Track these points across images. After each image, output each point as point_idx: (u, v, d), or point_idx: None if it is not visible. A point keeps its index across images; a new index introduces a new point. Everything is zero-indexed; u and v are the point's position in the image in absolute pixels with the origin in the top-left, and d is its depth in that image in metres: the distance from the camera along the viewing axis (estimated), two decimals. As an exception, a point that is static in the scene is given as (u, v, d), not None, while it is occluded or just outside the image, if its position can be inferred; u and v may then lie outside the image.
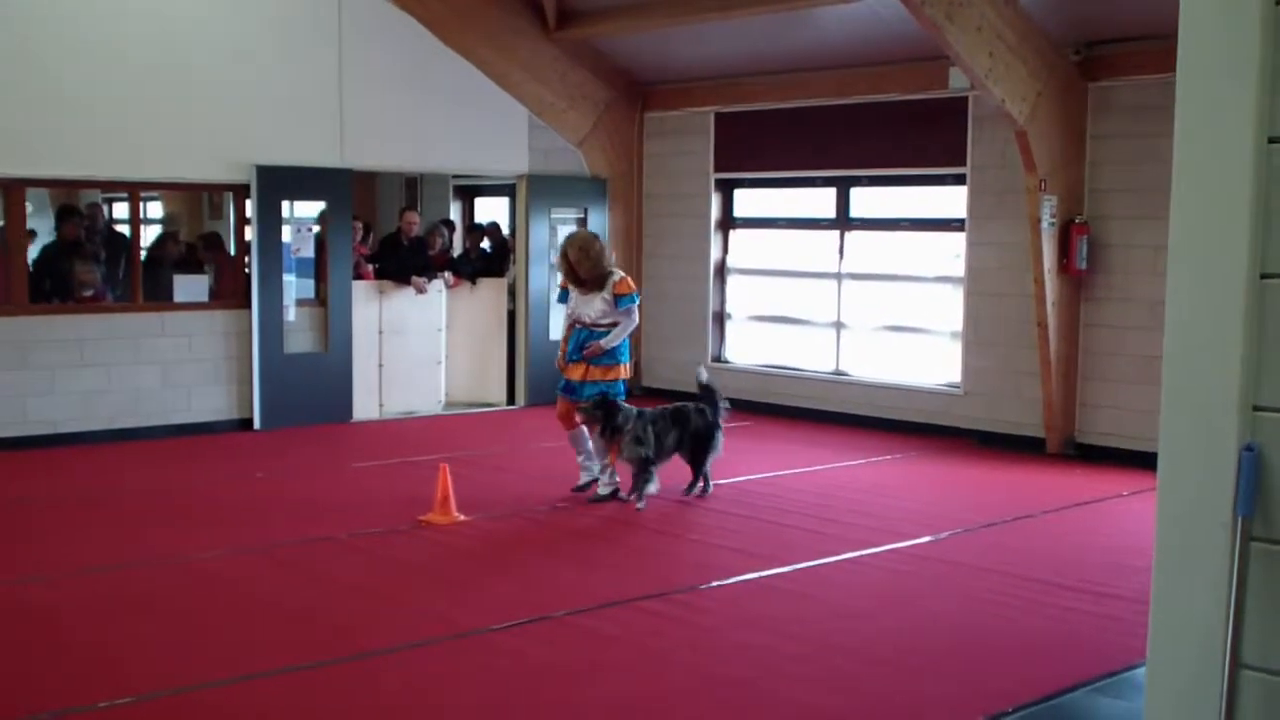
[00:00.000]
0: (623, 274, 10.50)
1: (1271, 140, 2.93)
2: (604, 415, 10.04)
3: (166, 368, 13.03)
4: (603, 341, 10.21)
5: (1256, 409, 2.98)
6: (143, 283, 13.02)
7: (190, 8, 13.05)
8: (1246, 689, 3.01)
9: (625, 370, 10.41)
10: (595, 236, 10.65)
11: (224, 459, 12.07)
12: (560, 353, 10.55)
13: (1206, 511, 3.02)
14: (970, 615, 7.58)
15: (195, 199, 16.47)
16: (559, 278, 11.03)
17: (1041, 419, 12.68)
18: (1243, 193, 2.93)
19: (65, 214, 13.62)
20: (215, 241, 14.18)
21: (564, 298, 10.60)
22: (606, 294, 10.26)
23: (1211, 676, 3.01)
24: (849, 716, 5.97)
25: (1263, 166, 2.93)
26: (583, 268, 10.22)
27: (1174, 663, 3.10)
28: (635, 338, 16.39)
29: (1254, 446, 2.98)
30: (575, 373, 10.32)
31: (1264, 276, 2.96)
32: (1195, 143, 3.03)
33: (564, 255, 10.39)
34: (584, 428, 10.43)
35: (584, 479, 10.60)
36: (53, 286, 12.64)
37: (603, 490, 10.39)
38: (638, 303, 10.47)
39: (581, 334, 10.33)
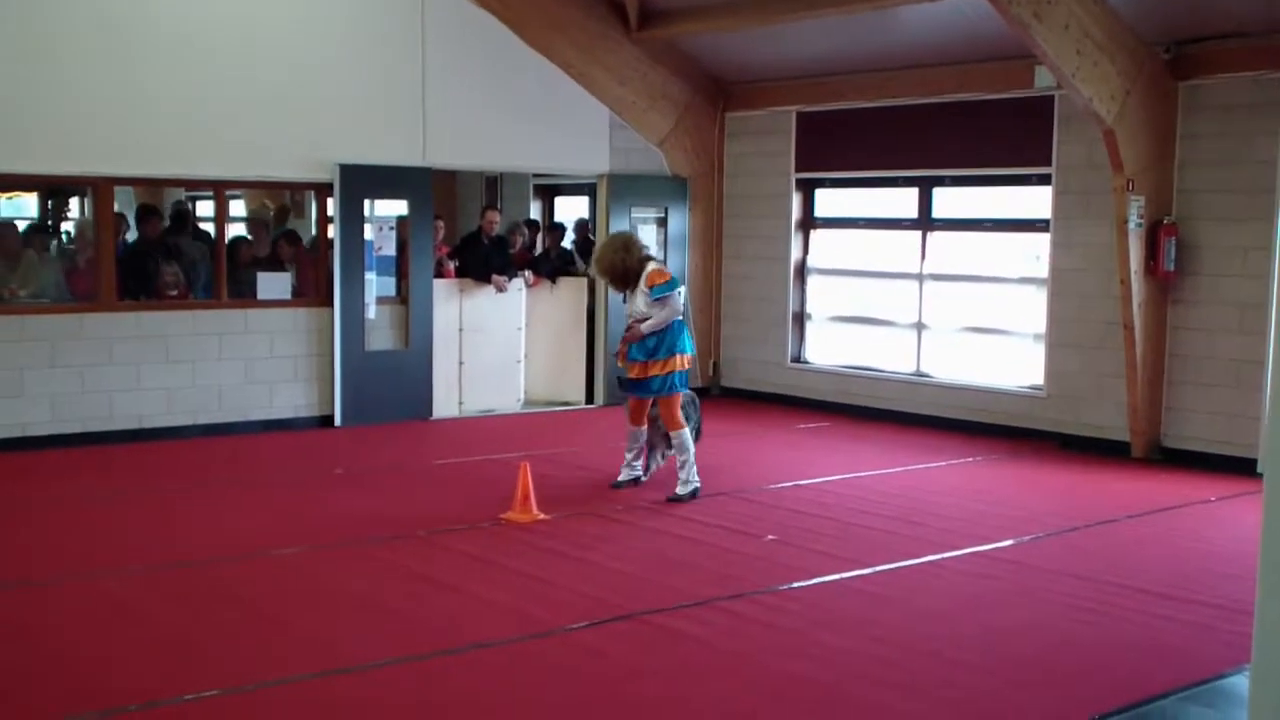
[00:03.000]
0: (657, 265, 10.58)
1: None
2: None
3: (249, 364, 13.16)
4: (643, 326, 10.28)
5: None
6: (227, 280, 13.13)
7: (275, 9, 13.17)
8: (1353, 700, 2.93)
9: (684, 361, 10.40)
10: (628, 236, 10.87)
11: (305, 455, 12.17)
12: (620, 353, 10.61)
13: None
14: (1053, 620, 7.48)
15: (277, 198, 16.58)
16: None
17: (1126, 422, 12.50)
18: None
19: (146, 213, 13.77)
20: (295, 239, 14.29)
21: (624, 298, 10.78)
22: (644, 287, 10.33)
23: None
24: (932, 721, 5.91)
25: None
26: (602, 264, 10.51)
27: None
28: (711, 335, 16.41)
29: (1362, 451, 2.89)
30: (635, 370, 10.43)
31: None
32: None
33: (595, 254, 10.76)
34: (645, 428, 10.67)
35: (625, 476, 10.83)
36: (136, 284, 12.77)
37: (625, 476, 10.81)
38: (677, 289, 10.42)
39: None
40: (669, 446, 10.73)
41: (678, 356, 10.34)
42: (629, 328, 10.43)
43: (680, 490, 10.34)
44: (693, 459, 10.41)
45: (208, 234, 14.12)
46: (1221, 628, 7.20)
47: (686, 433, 10.42)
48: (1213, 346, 11.98)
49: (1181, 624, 7.38)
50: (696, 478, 10.42)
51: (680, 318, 10.47)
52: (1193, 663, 6.69)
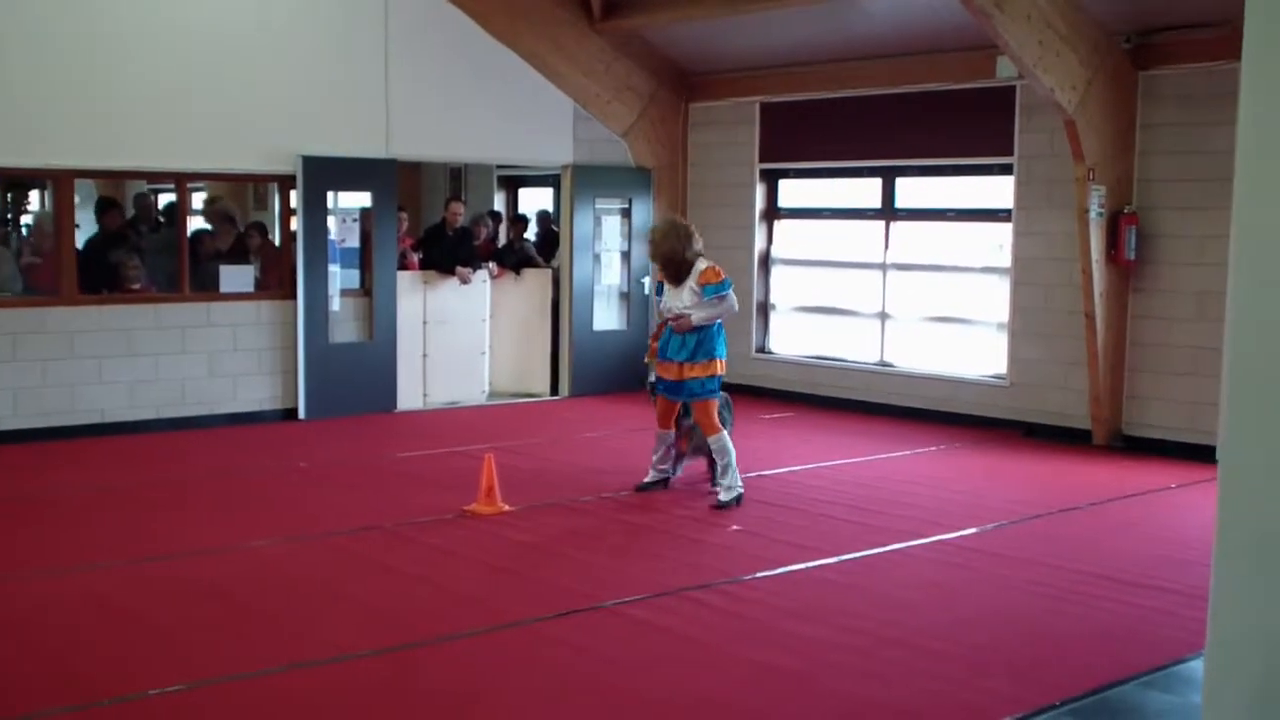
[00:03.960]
0: (710, 262, 10.02)
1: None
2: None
3: (213, 358, 13.10)
4: (693, 317, 9.79)
5: (1320, 400, 2.94)
6: (189, 273, 13.06)
7: (238, 0, 13.13)
8: (1309, 684, 2.97)
9: (722, 365, 9.99)
10: (682, 224, 10.21)
11: (269, 449, 12.13)
12: (650, 348, 10.26)
13: (1270, 503, 2.98)
14: (1017, 607, 7.53)
15: (241, 190, 16.52)
16: (655, 270, 10.59)
17: (1088, 411, 12.59)
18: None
19: (105, 206, 13.68)
20: (261, 231, 14.23)
21: (659, 291, 10.29)
22: (693, 283, 9.86)
23: (1274, 671, 2.97)
24: (897, 708, 5.94)
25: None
26: (661, 249, 9.95)
27: (1235, 657, 3.06)
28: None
29: (1317, 438, 2.93)
30: (670, 372, 9.97)
31: (1329, 266, 2.91)
32: (1259, 131, 2.98)
33: (649, 240, 10.20)
34: (673, 430, 10.27)
35: (653, 477, 10.41)
36: (97, 277, 12.70)
37: (652, 477, 10.40)
38: (730, 290, 9.93)
39: (672, 329, 9.99)
40: (697, 453, 10.46)
41: (717, 360, 9.93)
42: (664, 321, 10.02)
43: (724, 497, 9.86)
44: (734, 463, 9.93)
45: (170, 226, 14.05)
46: (1181, 613, 7.26)
47: (726, 436, 9.98)
48: (1173, 334, 12.09)
49: (1143, 610, 7.45)
50: (740, 482, 9.96)
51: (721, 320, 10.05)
52: (1153, 648, 6.75)
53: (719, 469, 9.99)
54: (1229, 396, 3.07)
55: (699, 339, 9.85)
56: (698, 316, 9.79)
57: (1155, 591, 7.77)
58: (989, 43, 12.02)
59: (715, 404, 9.97)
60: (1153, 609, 7.45)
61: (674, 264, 9.93)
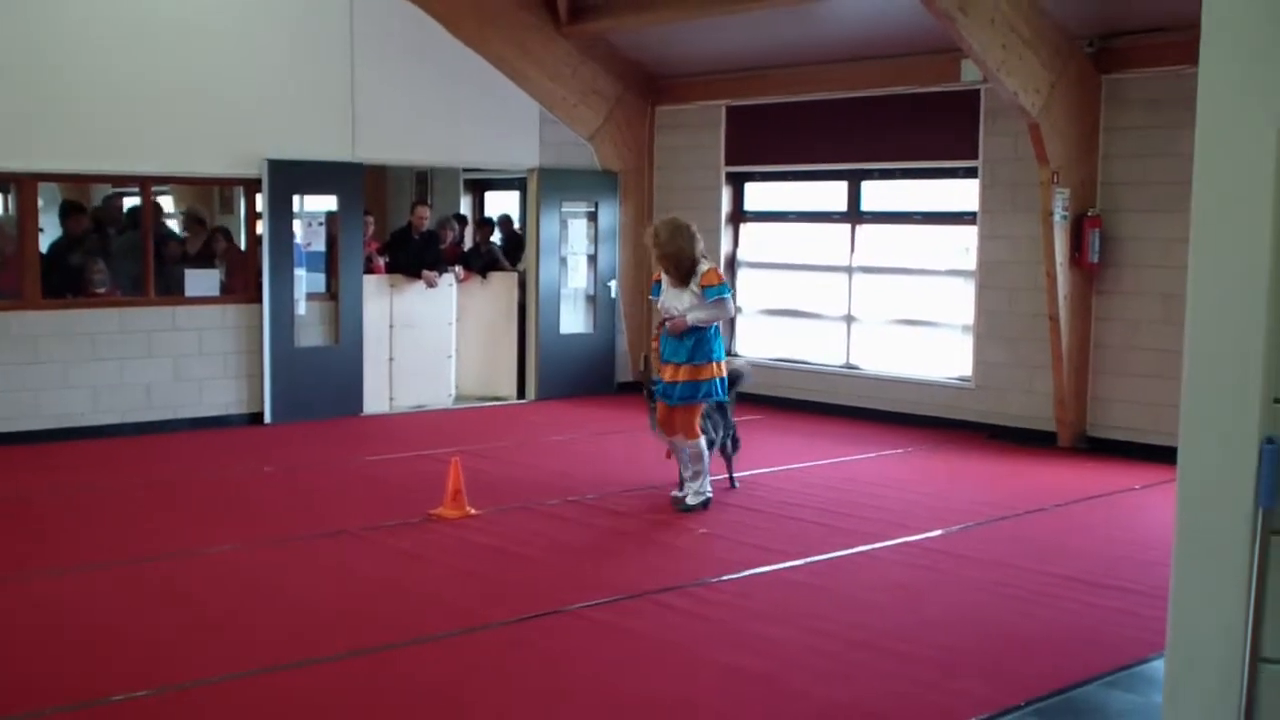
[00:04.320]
0: (712, 264, 9.86)
1: (1293, 132, 2.92)
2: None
3: (178, 362, 13.04)
4: (689, 317, 9.58)
5: (1278, 401, 2.97)
6: (154, 277, 12.99)
7: (202, 2, 13.04)
8: (1267, 683, 3.00)
9: (719, 368, 9.77)
10: (686, 223, 9.88)
11: (235, 453, 12.08)
12: (653, 349, 10.06)
13: (1227, 504, 3.01)
14: (983, 609, 7.57)
15: (207, 193, 16.46)
16: (653, 271, 10.25)
17: (1053, 413, 12.66)
18: (1265, 184, 2.92)
19: (69, 210, 13.60)
20: (226, 235, 14.18)
21: (655, 292, 10.04)
22: (695, 285, 9.63)
23: (1232, 671, 3.00)
24: (864, 710, 5.96)
25: (1285, 158, 2.92)
26: (667, 249, 9.66)
27: (1194, 656, 3.09)
28: (642, 331, 16.44)
29: (1275, 439, 2.96)
30: (664, 373, 9.80)
31: (1286, 269, 2.94)
32: (1218, 134, 3.02)
33: (653, 239, 9.77)
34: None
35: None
36: (61, 282, 12.63)
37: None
38: (729, 295, 9.80)
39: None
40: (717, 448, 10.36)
41: (714, 363, 9.74)
42: (662, 323, 9.80)
43: (691, 500, 9.81)
44: (707, 469, 9.86)
45: (135, 229, 13.98)
46: (1144, 613, 7.31)
47: (702, 442, 9.83)
48: (1137, 337, 12.17)
49: (1107, 610, 7.49)
50: (709, 488, 9.90)
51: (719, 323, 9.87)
52: (1117, 648, 6.79)
53: (689, 473, 9.89)
54: (1187, 399, 3.10)
55: (696, 341, 9.66)
56: (693, 318, 9.61)
57: (1119, 592, 7.82)
58: (953, 46, 12.08)
59: (700, 409, 9.82)
60: (1116, 609, 7.50)
61: (680, 263, 9.69)
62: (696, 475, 9.85)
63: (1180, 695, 3.13)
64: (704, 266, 9.72)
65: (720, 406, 10.22)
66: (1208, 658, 3.06)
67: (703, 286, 9.62)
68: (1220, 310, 3.01)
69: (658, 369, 9.94)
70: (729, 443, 10.48)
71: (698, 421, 9.84)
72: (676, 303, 9.70)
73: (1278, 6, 2.88)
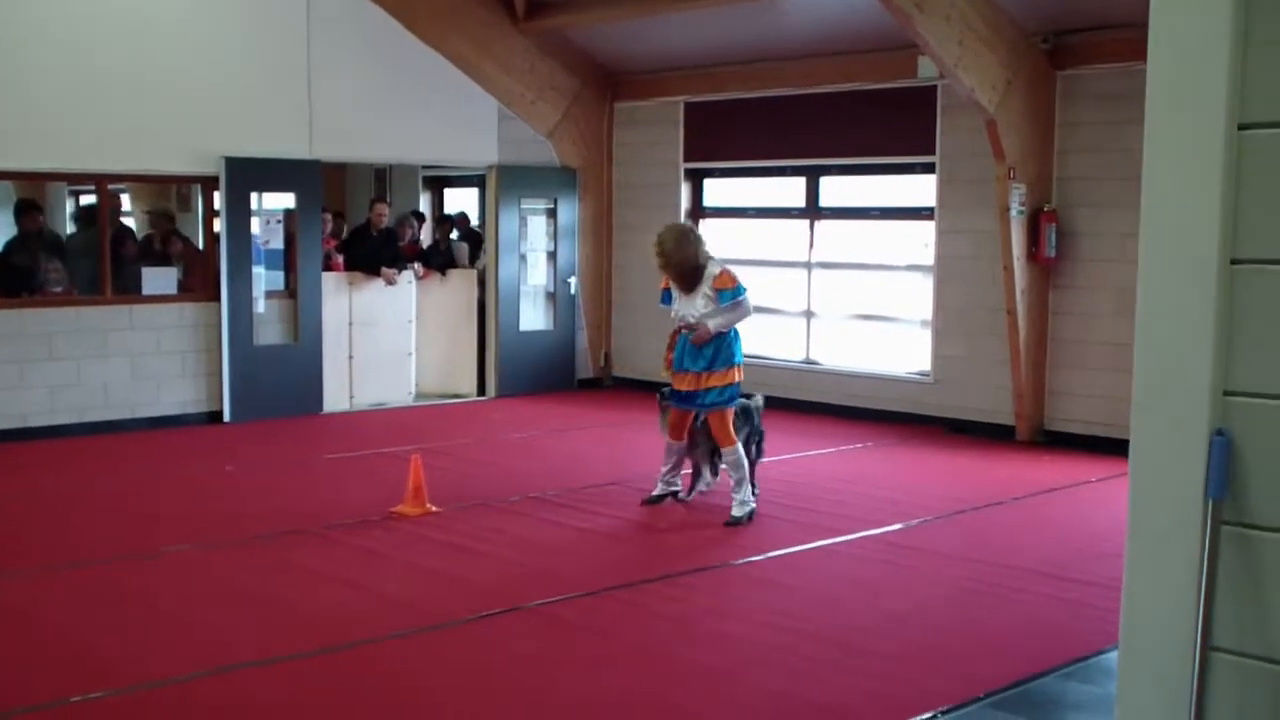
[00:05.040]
0: (724, 267, 9.55)
1: (1242, 127, 2.95)
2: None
3: (135, 361, 12.97)
4: (710, 325, 9.30)
5: (1227, 394, 3.01)
6: (111, 275, 12.92)
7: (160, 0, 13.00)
8: (1218, 672, 3.03)
9: (740, 372, 9.56)
10: (690, 228, 9.74)
11: (194, 452, 12.02)
12: (665, 359, 9.69)
13: (1178, 496, 3.05)
14: (942, 602, 7.62)
15: (165, 191, 16.36)
16: (661, 278, 9.78)
17: (1011, 407, 12.74)
18: (1213, 179, 2.95)
19: (24, 208, 13.50)
20: (181, 236, 14.10)
21: (666, 299, 9.67)
22: (707, 289, 9.34)
23: (1183, 660, 3.03)
24: (825, 704, 5.99)
25: (1233, 153, 2.96)
26: (674, 259, 9.34)
27: (1146, 646, 3.13)
28: (602, 326, 16.47)
29: (1225, 431, 3.00)
30: (684, 383, 9.49)
31: (1234, 262, 2.98)
32: (1166, 129, 3.05)
33: (658, 248, 9.42)
34: (685, 443, 9.83)
35: (660, 490, 9.98)
36: (16, 280, 12.53)
37: (659, 490, 9.97)
38: (745, 295, 9.46)
39: (687, 338, 9.48)
40: (713, 469, 10.14)
41: (736, 368, 9.49)
42: (679, 330, 9.52)
43: (737, 512, 9.41)
44: (748, 476, 9.54)
45: (90, 227, 13.90)
46: (1101, 605, 7.37)
47: (740, 449, 9.50)
48: (1093, 330, 12.25)
49: (1065, 603, 7.56)
50: (753, 497, 9.57)
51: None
52: (1074, 640, 6.85)
53: (734, 481, 9.51)
54: (1137, 392, 3.13)
55: (717, 346, 9.41)
56: (715, 324, 9.32)
57: (1076, 584, 7.88)
58: (910, 43, 12.14)
59: (731, 413, 9.50)
60: (1074, 601, 7.56)
61: (687, 271, 9.39)
62: (740, 483, 9.47)
63: (1132, 685, 3.17)
64: (715, 270, 9.43)
65: (745, 411, 9.87)
66: (1159, 648, 3.09)
67: (717, 290, 9.34)
68: (1169, 304, 3.05)
69: (670, 376, 9.64)
70: (753, 448, 9.97)
71: (731, 428, 9.49)
72: (690, 309, 9.41)
73: (1224, 3, 2.91)
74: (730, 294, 9.34)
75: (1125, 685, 3.19)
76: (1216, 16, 2.92)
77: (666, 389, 9.85)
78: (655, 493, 9.99)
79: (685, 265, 9.38)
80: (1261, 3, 2.91)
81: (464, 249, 16.25)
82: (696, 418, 9.71)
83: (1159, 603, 3.11)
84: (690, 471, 10.16)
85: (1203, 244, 2.98)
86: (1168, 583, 3.08)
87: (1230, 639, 3.02)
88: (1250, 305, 2.96)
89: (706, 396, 9.43)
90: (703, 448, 9.96)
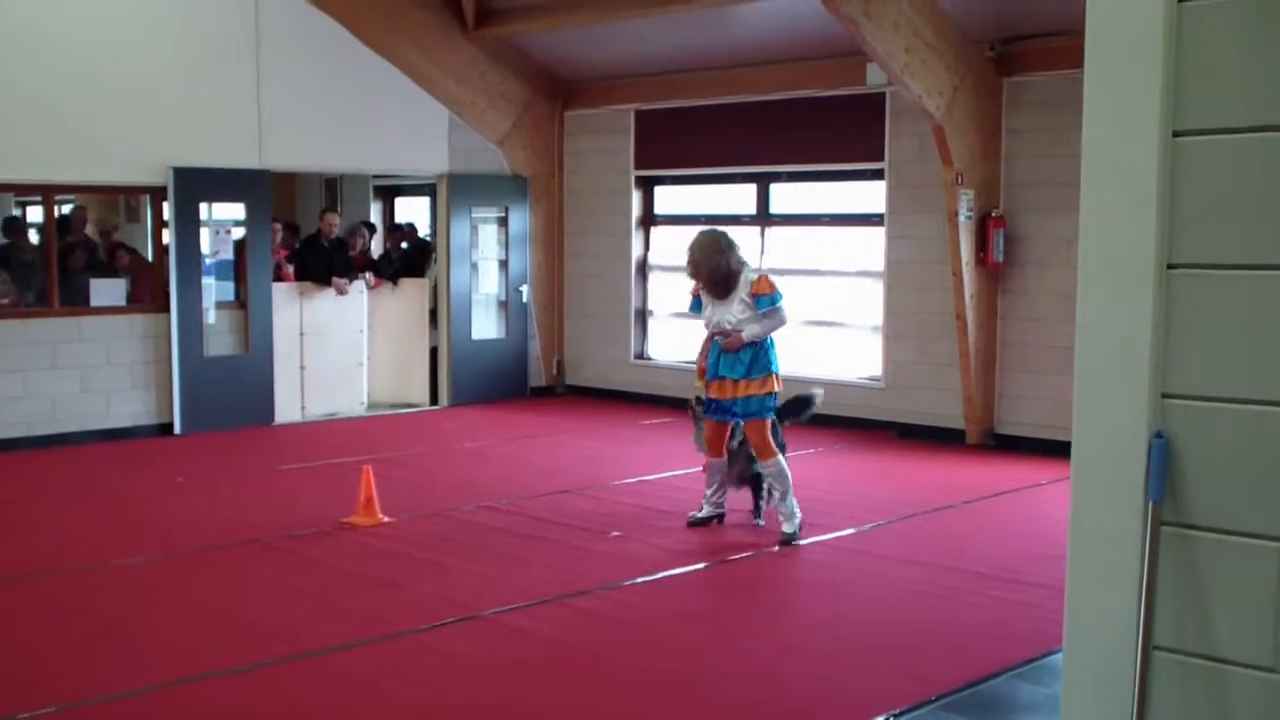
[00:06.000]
0: (761, 272, 9.30)
1: (1176, 134, 3.01)
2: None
3: (85, 373, 12.87)
4: (744, 334, 8.95)
5: (1165, 396, 3.06)
6: (59, 287, 12.83)
7: (104, 7, 12.89)
8: (1159, 670, 3.08)
9: (778, 381, 9.19)
10: (722, 234, 9.28)
11: (145, 464, 11.95)
12: (699, 368, 9.36)
13: (1119, 498, 3.10)
14: (895, 606, 7.67)
15: (113, 202, 16.26)
16: (691, 285, 9.48)
17: (961, 410, 12.83)
18: (1149, 185, 3.01)
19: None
20: (128, 245, 14.03)
21: (696, 307, 9.37)
22: (744, 295, 9.01)
23: (1125, 659, 3.08)
24: (781, 707, 6.02)
25: (1168, 160, 3.01)
26: (703, 268, 9.07)
27: (1089, 646, 3.18)
28: (555, 334, 16.48)
29: (1163, 433, 3.05)
30: (723, 391, 9.11)
31: (1171, 267, 3.04)
32: (1102, 137, 3.12)
33: (688, 257, 9.19)
34: (725, 459, 9.40)
35: (708, 512, 9.55)
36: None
37: (707, 512, 9.54)
38: (783, 302, 9.10)
39: (720, 344, 9.11)
40: (741, 482, 9.63)
41: (774, 376, 9.12)
42: (712, 336, 9.16)
43: (788, 528, 9.02)
44: (792, 489, 9.12)
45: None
46: (1050, 606, 7.42)
47: (782, 460, 9.11)
48: (1041, 334, 12.36)
49: (1015, 604, 7.62)
50: (798, 509, 9.14)
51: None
52: (1024, 642, 6.91)
53: (777, 495, 9.12)
54: (1078, 395, 3.19)
55: (754, 354, 9.04)
56: (750, 333, 8.97)
57: (1026, 586, 7.95)
58: (859, 50, 12.22)
59: (769, 424, 9.12)
60: (1024, 603, 7.63)
61: (719, 279, 9.09)
62: (784, 495, 9.09)
63: (1077, 684, 3.22)
64: (751, 275, 9.12)
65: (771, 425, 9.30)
66: (1102, 647, 3.14)
67: (754, 295, 9.00)
68: (1108, 308, 3.10)
69: (703, 386, 9.27)
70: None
71: (770, 439, 9.11)
72: (726, 315, 9.06)
73: (1158, 10, 2.97)
74: (768, 300, 9.01)
75: (1070, 684, 3.24)
76: (1150, 27, 2.98)
77: (700, 402, 9.53)
78: (701, 514, 9.52)
79: (717, 273, 9.07)
80: (1193, 13, 2.96)
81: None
82: (733, 431, 9.30)
83: (1102, 603, 3.16)
84: (749, 490, 9.65)
85: (1140, 250, 3.04)
86: (1110, 583, 3.13)
87: (1171, 638, 3.08)
88: (1186, 309, 3.02)
89: (745, 405, 9.08)
90: (739, 466, 9.47)
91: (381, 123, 14.87)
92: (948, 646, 6.93)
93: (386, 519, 9.55)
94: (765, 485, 9.38)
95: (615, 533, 9.34)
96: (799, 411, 9.91)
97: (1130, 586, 3.08)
